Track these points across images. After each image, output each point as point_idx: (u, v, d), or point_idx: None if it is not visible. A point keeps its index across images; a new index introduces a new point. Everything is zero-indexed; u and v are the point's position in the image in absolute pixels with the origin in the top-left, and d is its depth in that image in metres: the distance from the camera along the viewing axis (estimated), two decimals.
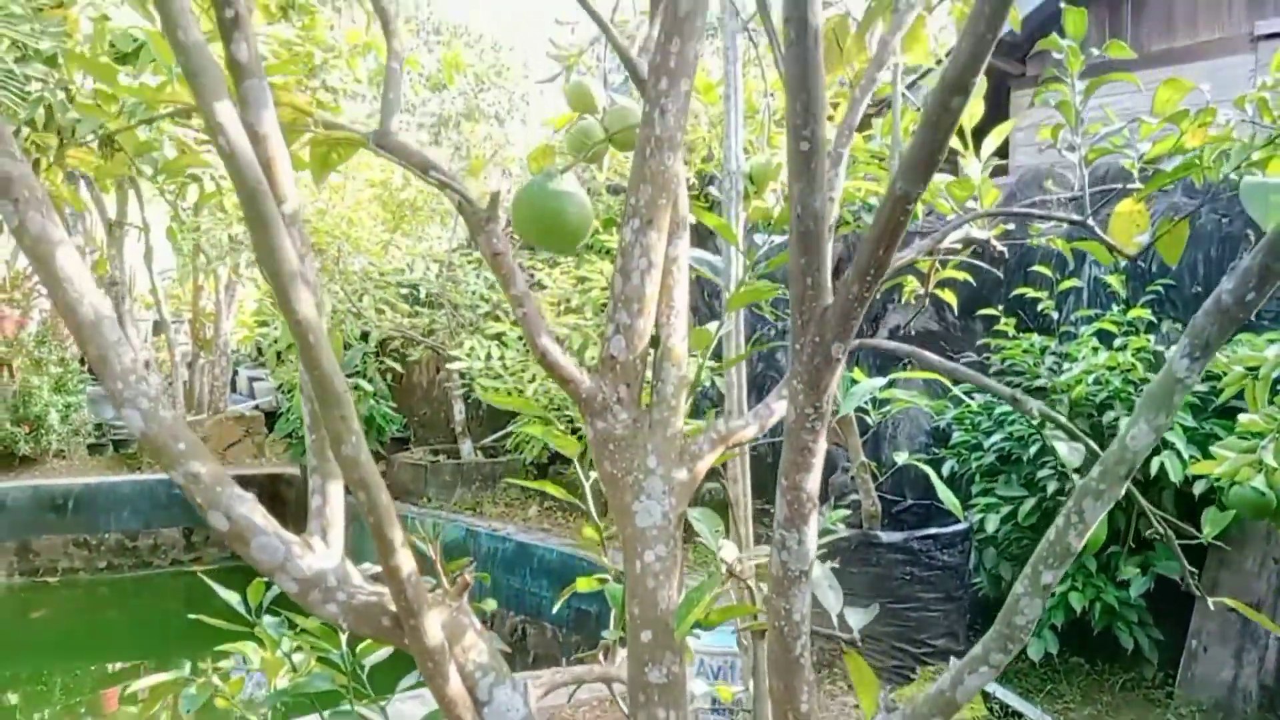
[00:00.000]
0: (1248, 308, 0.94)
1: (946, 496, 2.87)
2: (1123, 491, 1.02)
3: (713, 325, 1.84)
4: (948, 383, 3.79)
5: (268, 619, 1.89)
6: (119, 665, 7.10)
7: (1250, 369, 2.80)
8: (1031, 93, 8.62)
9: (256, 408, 10.51)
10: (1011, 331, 4.28)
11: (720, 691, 2.86)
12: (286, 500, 8.57)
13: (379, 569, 1.27)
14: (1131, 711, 3.75)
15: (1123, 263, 3.59)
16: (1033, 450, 3.88)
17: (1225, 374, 2.94)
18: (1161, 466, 3.42)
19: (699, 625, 1.38)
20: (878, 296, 1.89)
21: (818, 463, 1.15)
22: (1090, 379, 3.79)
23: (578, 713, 3.81)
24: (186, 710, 1.83)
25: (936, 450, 4.66)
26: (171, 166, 1.90)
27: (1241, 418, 2.70)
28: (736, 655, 3.13)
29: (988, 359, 4.48)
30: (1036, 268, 4.40)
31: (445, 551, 1.55)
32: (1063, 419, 1.41)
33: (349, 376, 8.22)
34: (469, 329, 6.87)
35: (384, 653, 1.82)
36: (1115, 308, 4.19)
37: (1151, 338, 3.90)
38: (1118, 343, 3.93)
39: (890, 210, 0.98)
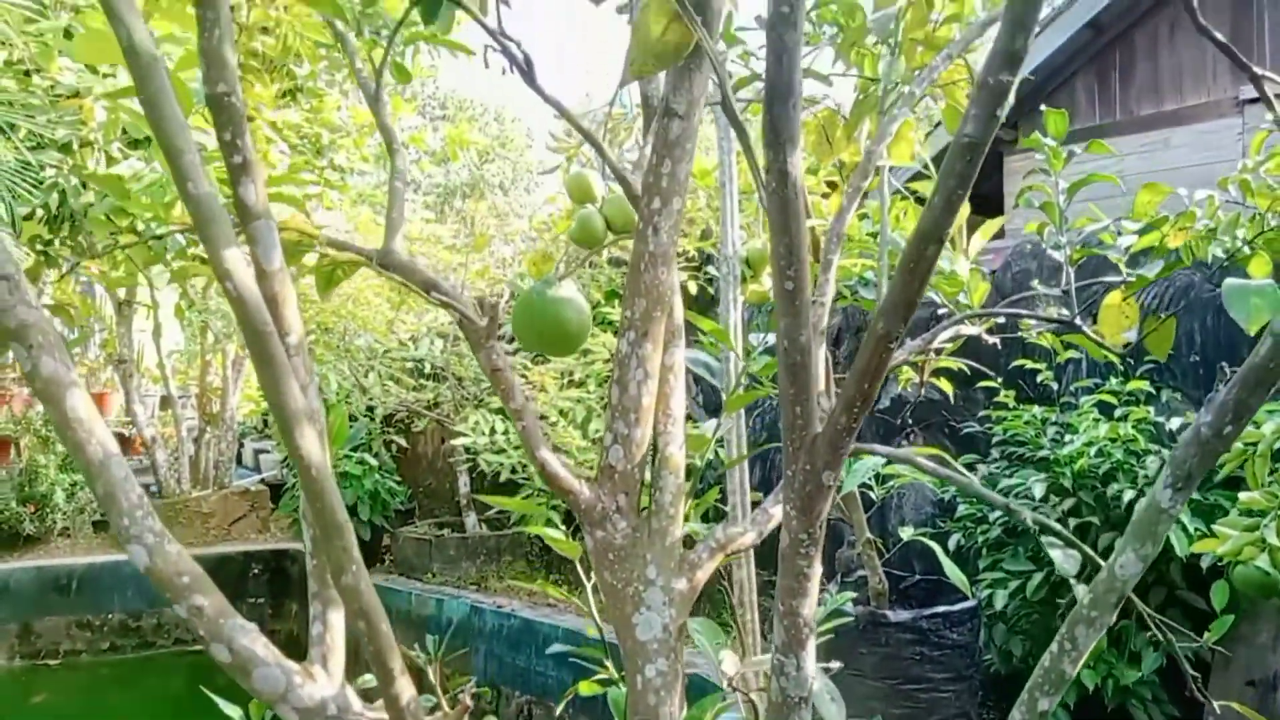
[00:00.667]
0: (1226, 440, 0.96)
1: (954, 574, 2.86)
2: (1113, 618, 1.03)
3: (710, 425, 1.87)
4: (948, 458, 3.79)
5: None
6: None
7: (1249, 444, 2.81)
8: (1024, 156, 8.77)
9: (262, 481, 10.50)
10: (1012, 403, 4.29)
11: None
12: (290, 576, 8.51)
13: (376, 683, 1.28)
14: None
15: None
16: None
17: None
18: (1167, 540, 3.40)
19: None
20: None
21: (813, 587, 1.16)
22: (1092, 451, 3.79)
23: None
24: None
25: (942, 523, 4.64)
26: (180, 276, 1.95)
27: (1242, 495, 2.70)
28: None
29: (990, 429, 4.49)
30: (1035, 340, 4.44)
31: (449, 630, 1.55)
32: (1057, 525, 1.42)
33: (353, 450, 8.25)
34: (473, 403, 6.91)
35: None
36: (1114, 379, 4.21)
37: (1151, 409, 3.92)
38: (1118, 413, 3.94)
39: (873, 349, 1.01)
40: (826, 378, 2.50)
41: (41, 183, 5.61)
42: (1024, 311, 1.69)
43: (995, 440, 4.37)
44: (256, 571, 8.64)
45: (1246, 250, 2.14)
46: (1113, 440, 3.79)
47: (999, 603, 3.85)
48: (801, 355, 1.09)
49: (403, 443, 8.05)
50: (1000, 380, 4.47)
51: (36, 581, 8.19)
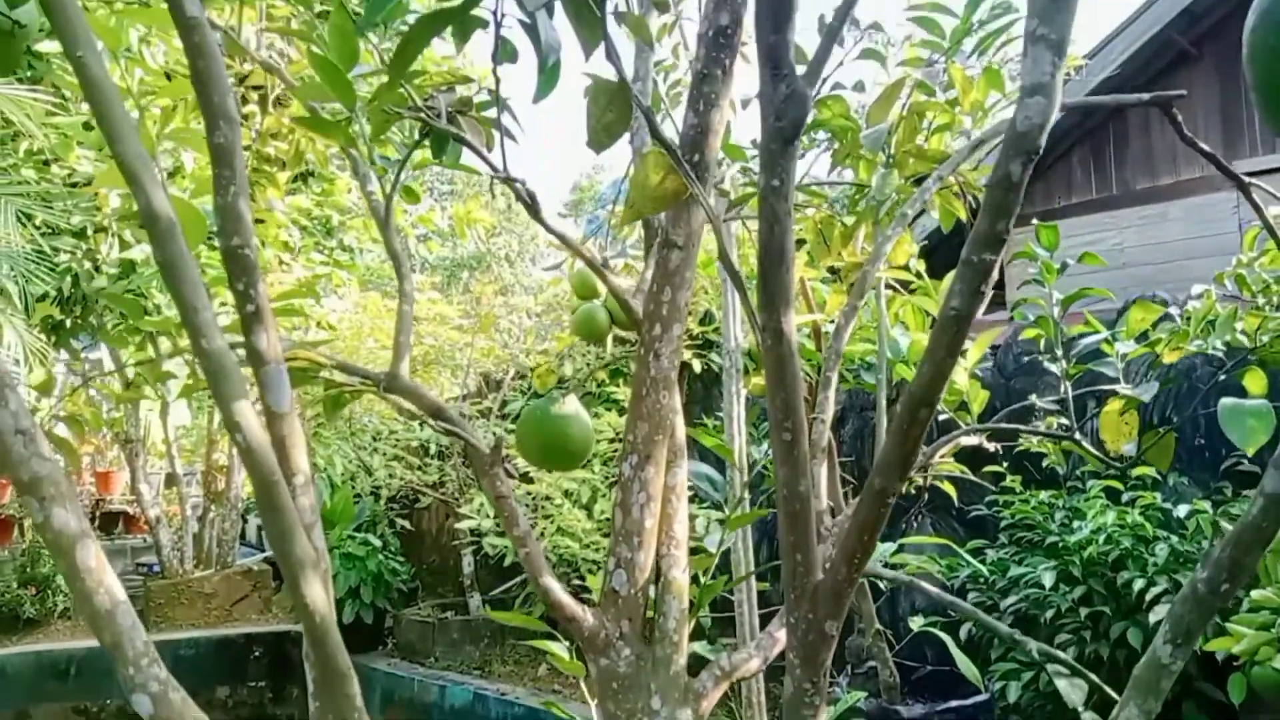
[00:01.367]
0: (1223, 597, 0.97)
1: (966, 668, 2.82)
2: None
3: (713, 541, 1.87)
4: (955, 547, 3.77)
5: None
6: None
7: None
8: (1023, 230, 8.89)
9: (266, 560, 10.41)
10: (1019, 487, 4.28)
11: None
12: (291, 660, 8.37)
13: None
14: None
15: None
16: (1049, 613, 3.81)
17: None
18: None
19: None
20: None
21: None
22: (1101, 538, 3.77)
23: None
24: None
25: (953, 611, 4.58)
26: (188, 391, 1.98)
27: (1254, 593, 2.67)
28: None
29: (999, 513, 4.46)
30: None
31: (452, 716, 1.53)
32: (1064, 656, 1.42)
33: (357, 530, 8.20)
34: (477, 483, 6.89)
35: None
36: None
37: (1158, 494, 3.90)
38: (1125, 498, 3.92)
39: (871, 503, 1.03)
40: (830, 461, 2.50)
41: (55, 267, 5.72)
42: (1023, 428, 1.71)
43: (1003, 524, 4.34)
44: (257, 654, 8.51)
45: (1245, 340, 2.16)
46: (1121, 527, 3.76)
47: (1012, 695, 3.77)
48: (801, 504, 1.11)
49: (407, 524, 8.00)
50: (1006, 465, 4.46)
51: (35, 667, 8.08)
